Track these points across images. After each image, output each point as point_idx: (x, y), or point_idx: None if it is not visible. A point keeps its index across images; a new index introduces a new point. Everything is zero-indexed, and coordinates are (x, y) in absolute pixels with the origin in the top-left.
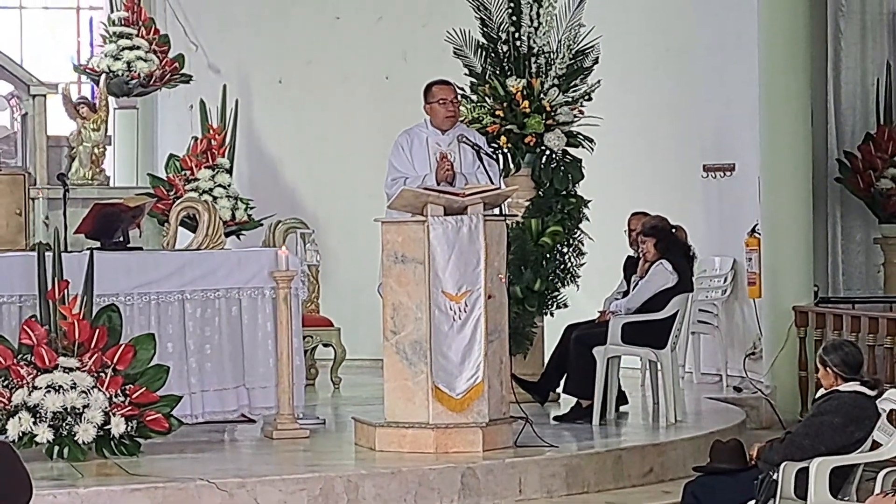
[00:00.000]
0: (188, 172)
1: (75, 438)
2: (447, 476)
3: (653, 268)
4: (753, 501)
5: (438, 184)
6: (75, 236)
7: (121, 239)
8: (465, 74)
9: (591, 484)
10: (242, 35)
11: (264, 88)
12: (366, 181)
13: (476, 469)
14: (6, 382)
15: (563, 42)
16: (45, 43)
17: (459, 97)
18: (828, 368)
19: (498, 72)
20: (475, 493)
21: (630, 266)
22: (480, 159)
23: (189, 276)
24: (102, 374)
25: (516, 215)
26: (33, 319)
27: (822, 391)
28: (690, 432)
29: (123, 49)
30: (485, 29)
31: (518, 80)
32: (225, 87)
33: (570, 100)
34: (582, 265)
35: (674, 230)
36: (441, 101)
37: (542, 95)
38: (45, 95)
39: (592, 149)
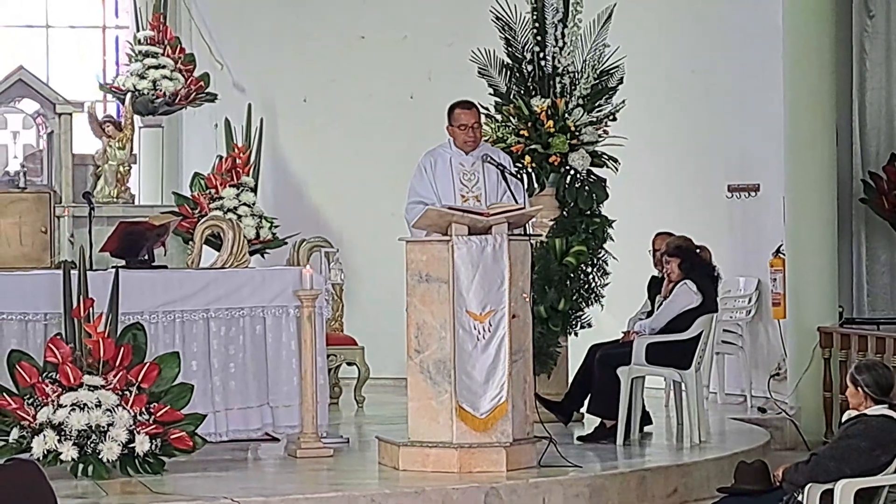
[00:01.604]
0: (213, 191)
1: (100, 456)
2: (471, 496)
3: (677, 288)
4: None
5: None
6: (100, 254)
7: (146, 257)
8: (490, 94)
9: None
10: (267, 54)
11: (289, 107)
12: (390, 200)
13: (500, 489)
14: (31, 400)
15: (587, 62)
16: (71, 62)
17: (482, 120)
18: (858, 388)
19: (522, 91)
20: None
21: (654, 286)
22: (505, 179)
23: (213, 294)
24: (127, 393)
25: (541, 235)
26: (58, 337)
27: (848, 413)
28: (715, 453)
29: (149, 68)
30: (509, 49)
31: (543, 99)
32: (250, 105)
33: (594, 119)
34: (606, 285)
35: (698, 250)
36: (461, 127)
37: (566, 115)
38: (70, 114)
39: (617, 169)
